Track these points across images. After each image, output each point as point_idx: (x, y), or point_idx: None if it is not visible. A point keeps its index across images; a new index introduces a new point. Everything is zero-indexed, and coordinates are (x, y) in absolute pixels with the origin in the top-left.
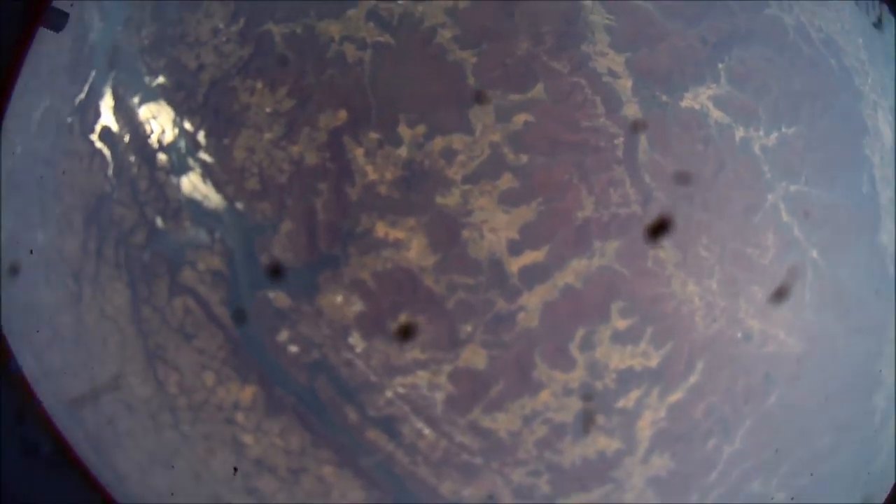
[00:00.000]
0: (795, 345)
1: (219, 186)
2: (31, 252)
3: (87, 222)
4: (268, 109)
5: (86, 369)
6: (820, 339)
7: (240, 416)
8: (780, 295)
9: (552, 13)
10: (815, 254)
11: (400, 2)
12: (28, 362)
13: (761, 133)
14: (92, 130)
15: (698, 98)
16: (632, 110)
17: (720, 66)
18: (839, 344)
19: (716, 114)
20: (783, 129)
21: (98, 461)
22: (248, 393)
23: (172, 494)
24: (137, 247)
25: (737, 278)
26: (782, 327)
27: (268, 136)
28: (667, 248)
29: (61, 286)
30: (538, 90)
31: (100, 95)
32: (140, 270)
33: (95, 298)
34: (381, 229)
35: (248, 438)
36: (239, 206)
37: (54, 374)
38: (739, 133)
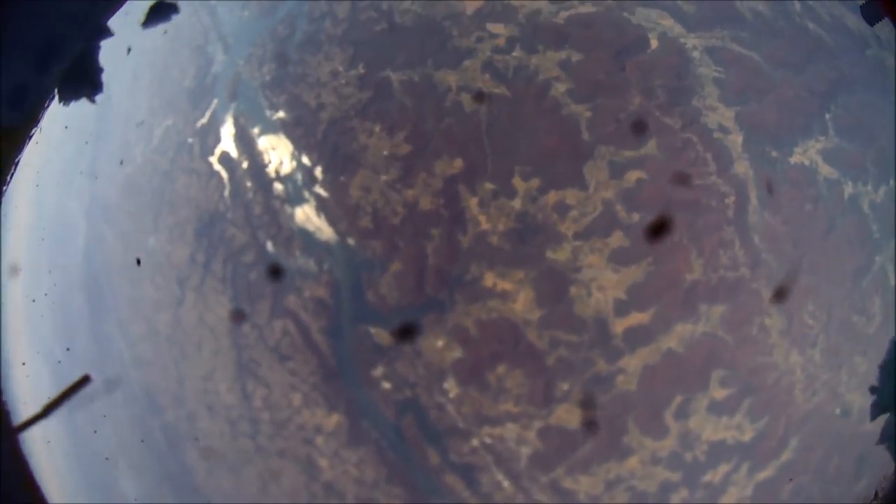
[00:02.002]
0: None
1: (332, 221)
2: (138, 262)
3: (199, 235)
4: (385, 152)
5: (175, 366)
6: None
7: (319, 440)
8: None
9: (663, 67)
10: None
11: (514, 54)
12: (121, 347)
13: (869, 188)
14: (211, 153)
15: (807, 153)
16: (742, 167)
17: (827, 116)
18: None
19: (825, 169)
20: (891, 183)
21: (168, 450)
22: (332, 420)
23: (236, 498)
24: (245, 266)
25: (840, 349)
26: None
27: (384, 177)
28: (773, 315)
29: (165, 289)
30: (651, 146)
31: (221, 122)
32: (245, 289)
33: (196, 306)
34: (489, 279)
35: (323, 462)
36: (350, 241)
37: (143, 364)
38: (848, 189)
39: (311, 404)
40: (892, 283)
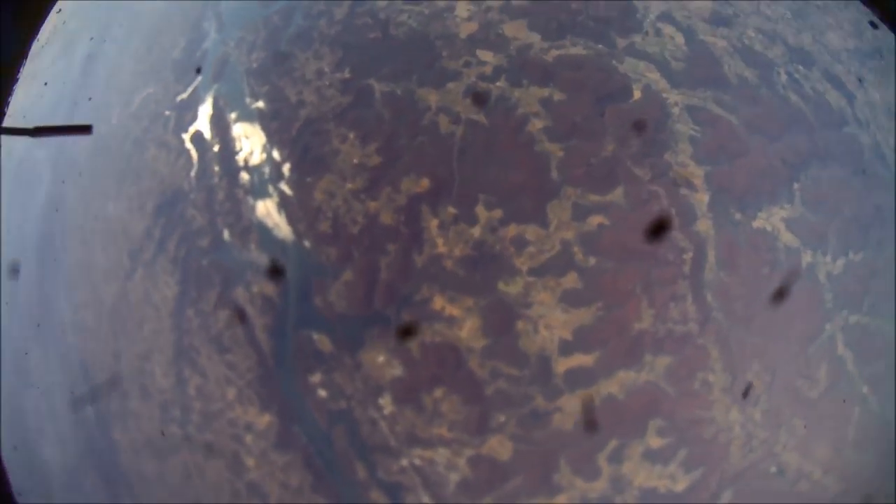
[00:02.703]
0: (832, 485)
1: (292, 220)
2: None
3: (158, 211)
4: (355, 160)
5: (114, 339)
6: (858, 479)
7: (249, 438)
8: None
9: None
10: (866, 389)
11: (498, 84)
12: (63, 310)
13: (828, 259)
14: (185, 130)
15: (771, 219)
16: (705, 226)
17: (796, 185)
18: (878, 486)
19: (786, 236)
20: (850, 256)
21: (96, 424)
22: (264, 420)
23: (158, 484)
24: (199, 250)
25: (782, 410)
26: (820, 464)
27: (349, 185)
28: (717, 372)
29: (116, 259)
30: (617, 194)
31: (200, 101)
32: (195, 273)
33: (144, 282)
34: (438, 302)
35: (249, 461)
36: (307, 244)
37: (83, 331)
38: (807, 258)
39: (245, 401)
40: (840, 351)
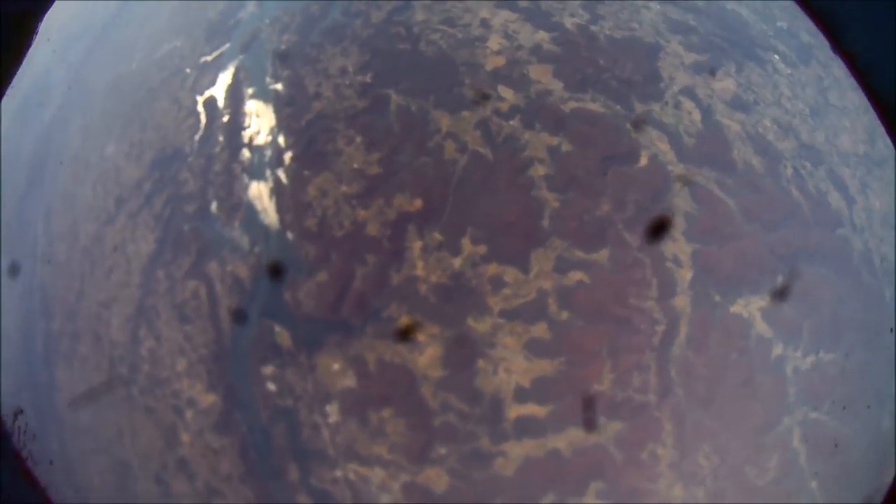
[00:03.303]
0: None
1: (281, 208)
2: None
3: (154, 165)
4: (355, 165)
5: (80, 279)
6: None
7: (189, 413)
8: None
9: (643, 185)
10: (814, 485)
11: (511, 122)
12: (38, 235)
13: (798, 354)
14: (201, 93)
15: (749, 307)
16: (682, 302)
17: (780, 278)
18: None
19: (760, 326)
20: (820, 354)
21: (42, 358)
22: (208, 399)
23: (88, 435)
24: (184, 215)
25: (726, 493)
26: None
27: (344, 188)
28: (667, 446)
29: (101, 200)
30: (603, 255)
31: (222, 67)
32: (174, 236)
33: (123, 232)
34: (404, 323)
35: (185, 436)
36: (289, 235)
37: (52, 262)
38: (777, 350)
39: (193, 375)
40: (794, 445)
